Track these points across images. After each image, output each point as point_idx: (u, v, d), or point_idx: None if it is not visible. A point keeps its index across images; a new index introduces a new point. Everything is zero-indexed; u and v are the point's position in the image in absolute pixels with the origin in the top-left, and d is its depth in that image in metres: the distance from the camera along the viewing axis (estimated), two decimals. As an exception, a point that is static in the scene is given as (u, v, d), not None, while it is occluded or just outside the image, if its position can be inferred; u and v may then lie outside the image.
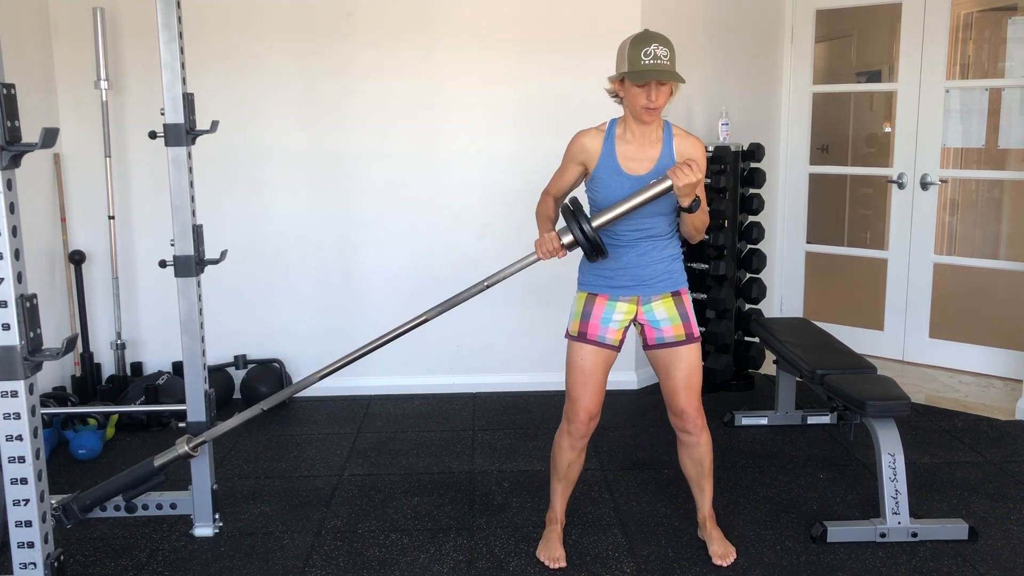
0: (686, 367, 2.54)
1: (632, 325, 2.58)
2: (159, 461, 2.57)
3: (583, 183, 2.56)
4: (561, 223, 2.45)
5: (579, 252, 2.50)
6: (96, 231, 4.14)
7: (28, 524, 1.99)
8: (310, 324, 4.30)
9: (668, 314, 2.53)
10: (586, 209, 2.45)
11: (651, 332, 2.55)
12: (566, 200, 2.46)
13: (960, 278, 4.81)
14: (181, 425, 2.80)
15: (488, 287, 2.51)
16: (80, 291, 4.08)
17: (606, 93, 2.49)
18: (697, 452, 2.62)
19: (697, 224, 2.45)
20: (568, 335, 2.59)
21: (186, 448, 2.59)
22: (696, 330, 2.56)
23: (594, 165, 2.48)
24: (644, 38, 2.33)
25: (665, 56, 2.31)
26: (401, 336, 2.59)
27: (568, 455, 2.67)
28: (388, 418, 4.01)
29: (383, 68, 4.15)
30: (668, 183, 2.32)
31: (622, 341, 2.57)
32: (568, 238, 2.41)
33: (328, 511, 3.04)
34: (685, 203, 2.34)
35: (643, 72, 2.30)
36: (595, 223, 2.38)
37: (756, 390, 4.34)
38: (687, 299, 2.57)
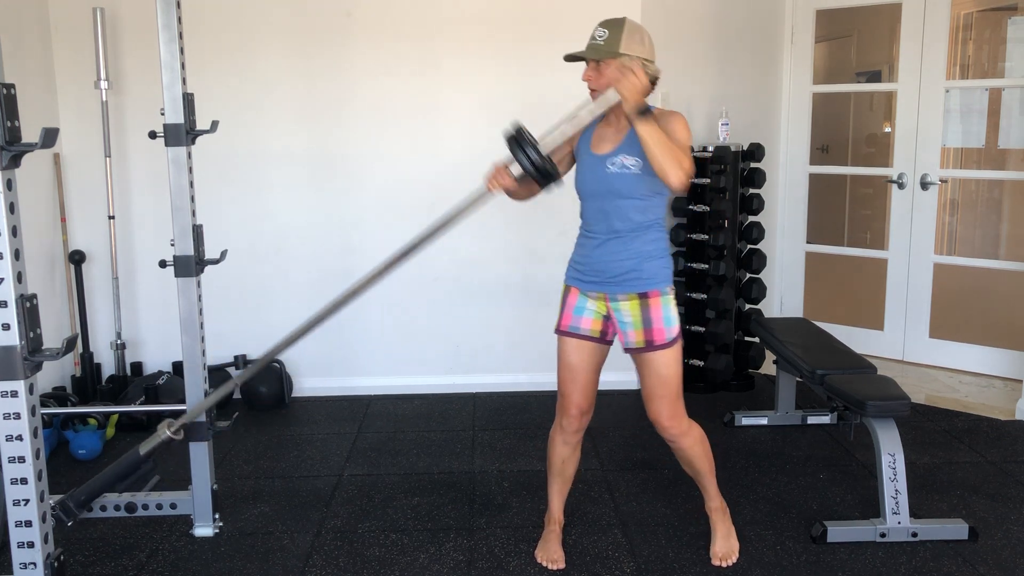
0: (652, 376, 2.45)
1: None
2: (144, 449, 2.53)
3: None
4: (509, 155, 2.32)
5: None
6: (96, 231, 4.14)
7: (28, 524, 1.99)
8: (310, 324, 4.30)
9: (632, 317, 2.42)
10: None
11: (620, 335, 2.48)
12: (509, 127, 2.31)
13: (960, 278, 4.81)
14: (181, 425, 2.79)
15: (438, 231, 2.39)
16: (80, 291, 4.08)
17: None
18: (683, 456, 2.59)
19: (658, 153, 2.19)
20: (554, 330, 2.57)
21: (168, 433, 2.52)
22: (663, 336, 2.40)
23: (575, 147, 2.48)
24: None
25: (601, 36, 2.33)
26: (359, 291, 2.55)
27: (562, 450, 2.65)
28: (388, 418, 4.01)
29: (383, 68, 4.14)
30: (613, 94, 2.21)
31: (605, 333, 2.50)
32: (517, 168, 2.30)
33: (328, 511, 3.04)
34: (628, 107, 2.19)
35: (571, 54, 2.39)
36: (541, 146, 2.26)
37: (756, 390, 4.34)
38: (656, 302, 2.40)
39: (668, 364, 2.44)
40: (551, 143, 2.29)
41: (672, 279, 2.46)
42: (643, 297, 2.41)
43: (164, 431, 2.54)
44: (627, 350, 2.49)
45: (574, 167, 2.52)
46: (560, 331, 2.54)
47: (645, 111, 2.23)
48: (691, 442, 2.54)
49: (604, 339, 2.52)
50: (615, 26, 2.33)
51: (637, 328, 2.42)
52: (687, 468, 2.64)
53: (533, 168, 2.25)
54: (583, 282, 2.49)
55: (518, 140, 2.26)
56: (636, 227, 2.39)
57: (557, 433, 2.64)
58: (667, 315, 2.41)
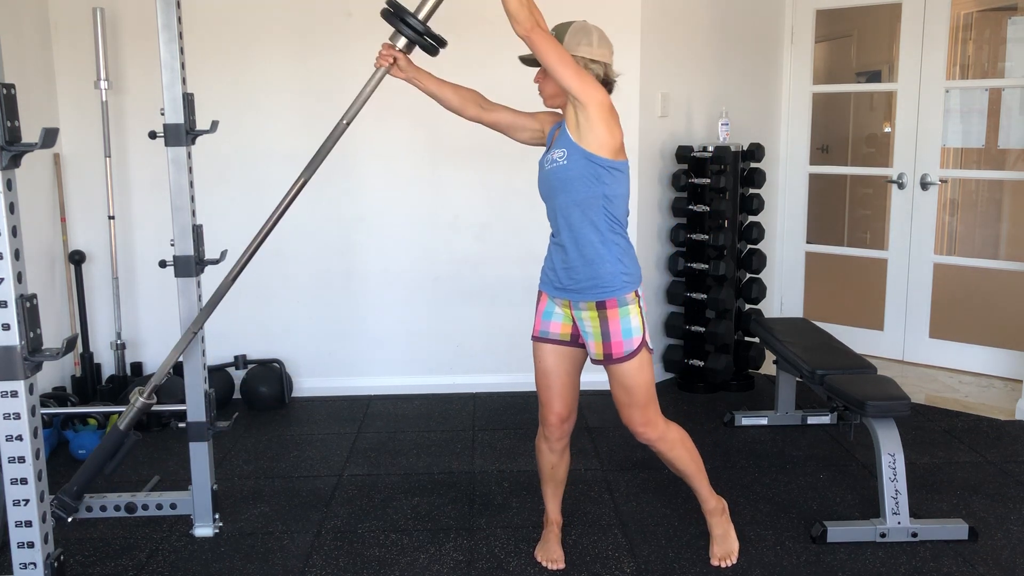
0: (619, 386, 2.43)
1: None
2: (123, 423, 2.52)
3: None
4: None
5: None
6: (96, 231, 4.14)
7: (28, 524, 1.99)
8: (310, 324, 4.30)
9: (591, 328, 2.39)
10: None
11: (584, 344, 2.46)
12: (385, 5, 2.36)
13: (960, 278, 4.81)
14: (181, 425, 2.80)
15: (347, 124, 2.45)
16: (80, 291, 4.08)
17: None
18: (665, 459, 2.57)
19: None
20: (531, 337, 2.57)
21: (142, 399, 2.52)
22: (620, 349, 2.36)
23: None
24: None
25: None
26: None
27: (549, 458, 2.64)
28: (388, 418, 4.01)
29: (383, 68, 4.14)
30: None
31: (577, 336, 2.46)
32: (402, 40, 2.37)
33: (328, 511, 3.04)
34: None
35: (523, 56, 2.41)
36: (420, 13, 2.33)
37: (756, 390, 4.34)
38: (614, 313, 2.35)
39: (631, 375, 2.40)
40: (428, 8, 2.34)
41: (636, 285, 2.39)
42: (600, 307, 2.36)
43: (137, 398, 2.52)
44: (592, 360, 2.47)
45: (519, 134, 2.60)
46: (533, 336, 2.53)
47: None
48: (669, 445, 2.53)
49: (576, 342, 2.49)
50: (561, 28, 2.35)
51: (596, 340, 2.39)
52: (673, 470, 2.63)
53: (415, 34, 2.31)
54: (551, 288, 2.48)
55: (394, 12, 2.32)
56: (585, 228, 2.33)
57: (541, 441, 2.63)
58: (626, 327, 2.36)
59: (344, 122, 2.44)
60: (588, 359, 2.50)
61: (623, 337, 2.37)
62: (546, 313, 2.50)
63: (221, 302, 4.07)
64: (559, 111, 2.47)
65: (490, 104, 2.57)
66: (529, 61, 2.44)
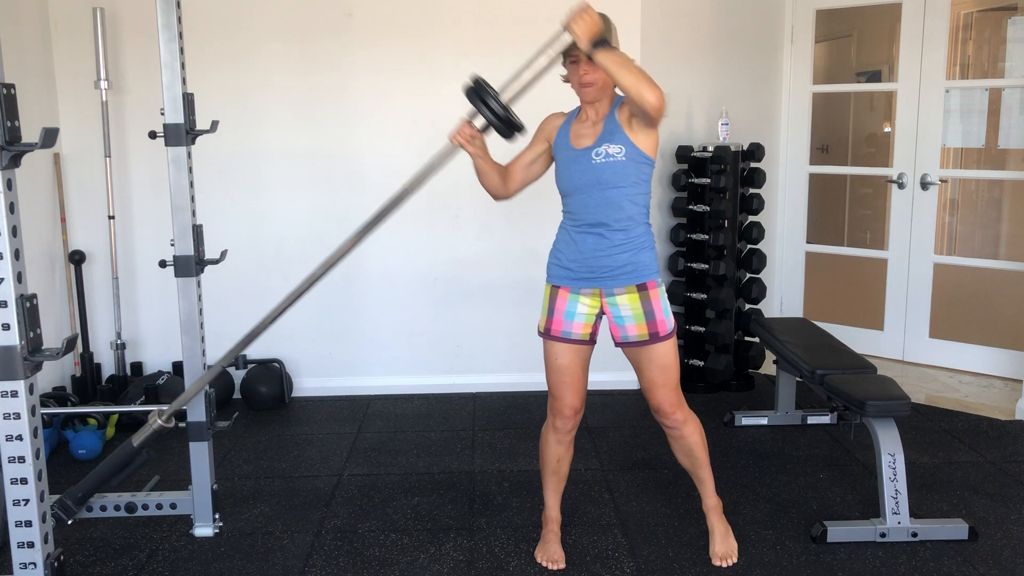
0: (657, 366, 2.46)
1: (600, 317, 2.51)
2: (137, 440, 2.54)
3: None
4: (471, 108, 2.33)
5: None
6: (96, 231, 4.14)
7: (28, 524, 1.99)
8: (310, 324, 4.30)
9: (632, 311, 2.43)
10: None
11: (616, 330, 2.47)
12: (468, 79, 2.30)
13: (960, 278, 4.81)
14: (181, 425, 2.80)
15: (409, 193, 2.39)
16: (80, 291, 4.08)
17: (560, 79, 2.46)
18: (683, 444, 2.59)
19: (626, 75, 2.16)
20: (539, 332, 2.57)
21: (160, 422, 2.55)
22: (665, 327, 2.43)
23: (553, 144, 2.50)
24: None
25: None
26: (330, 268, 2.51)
27: (556, 449, 2.65)
28: (388, 418, 4.01)
29: (383, 68, 4.14)
30: (567, 35, 2.18)
31: (594, 333, 2.51)
32: (480, 120, 2.31)
33: (328, 511, 3.04)
34: (585, 45, 2.18)
35: (567, 50, 2.34)
36: (503, 95, 2.24)
37: (756, 390, 4.34)
38: (655, 293, 2.43)
39: (668, 354, 2.47)
40: (512, 92, 2.28)
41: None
42: (642, 289, 2.43)
43: (155, 420, 2.55)
44: (623, 344, 2.48)
45: (545, 163, 2.57)
46: (550, 336, 2.53)
47: (601, 43, 2.20)
48: (692, 429, 2.57)
49: (592, 340, 2.53)
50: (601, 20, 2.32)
51: (639, 321, 2.43)
52: (686, 460, 2.63)
53: (495, 118, 2.24)
54: (575, 280, 2.47)
55: (478, 92, 2.25)
56: (627, 218, 2.40)
57: (550, 433, 2.65)
58: (666, 306, 2.46)
59: (406, 189, 2.37)
60: (615, 343, 2.51)
61: (665, 315, 2.44)
62: (568, 313, 2.50)
63: (221, 300, 4.09)
64: (561, 112, 2.50)
65: (507, 171, 2.56)
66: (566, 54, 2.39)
